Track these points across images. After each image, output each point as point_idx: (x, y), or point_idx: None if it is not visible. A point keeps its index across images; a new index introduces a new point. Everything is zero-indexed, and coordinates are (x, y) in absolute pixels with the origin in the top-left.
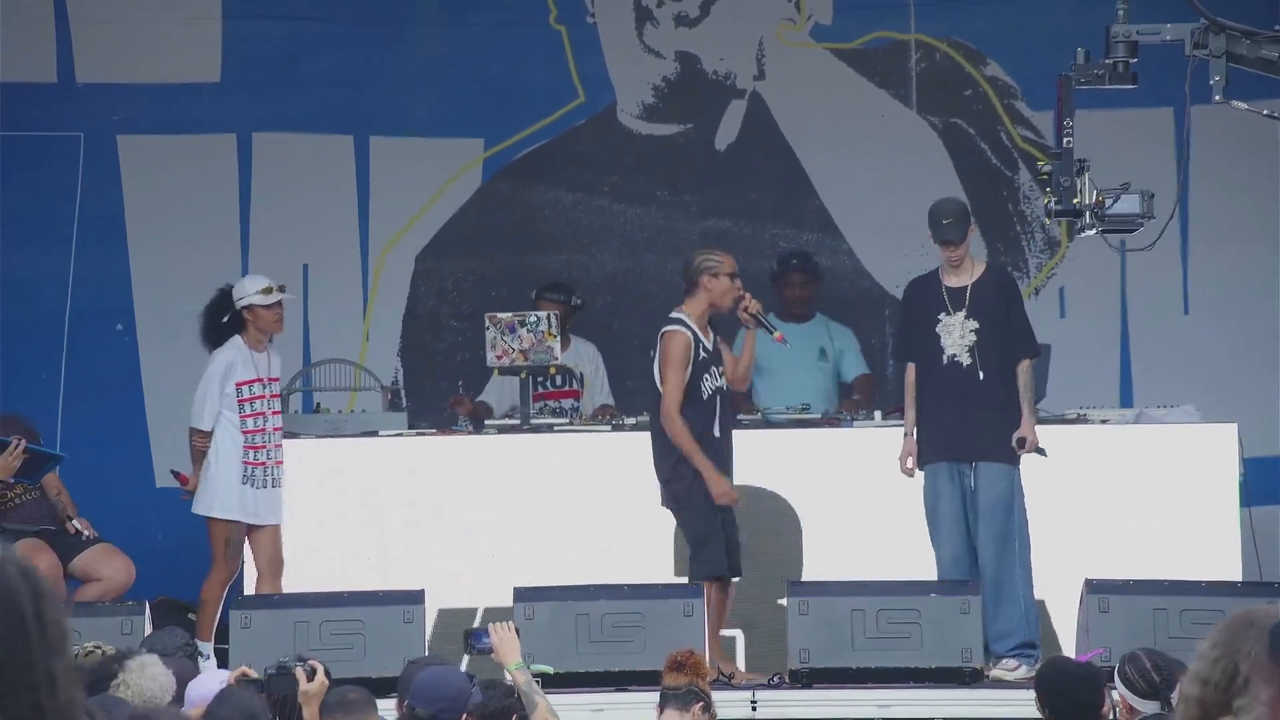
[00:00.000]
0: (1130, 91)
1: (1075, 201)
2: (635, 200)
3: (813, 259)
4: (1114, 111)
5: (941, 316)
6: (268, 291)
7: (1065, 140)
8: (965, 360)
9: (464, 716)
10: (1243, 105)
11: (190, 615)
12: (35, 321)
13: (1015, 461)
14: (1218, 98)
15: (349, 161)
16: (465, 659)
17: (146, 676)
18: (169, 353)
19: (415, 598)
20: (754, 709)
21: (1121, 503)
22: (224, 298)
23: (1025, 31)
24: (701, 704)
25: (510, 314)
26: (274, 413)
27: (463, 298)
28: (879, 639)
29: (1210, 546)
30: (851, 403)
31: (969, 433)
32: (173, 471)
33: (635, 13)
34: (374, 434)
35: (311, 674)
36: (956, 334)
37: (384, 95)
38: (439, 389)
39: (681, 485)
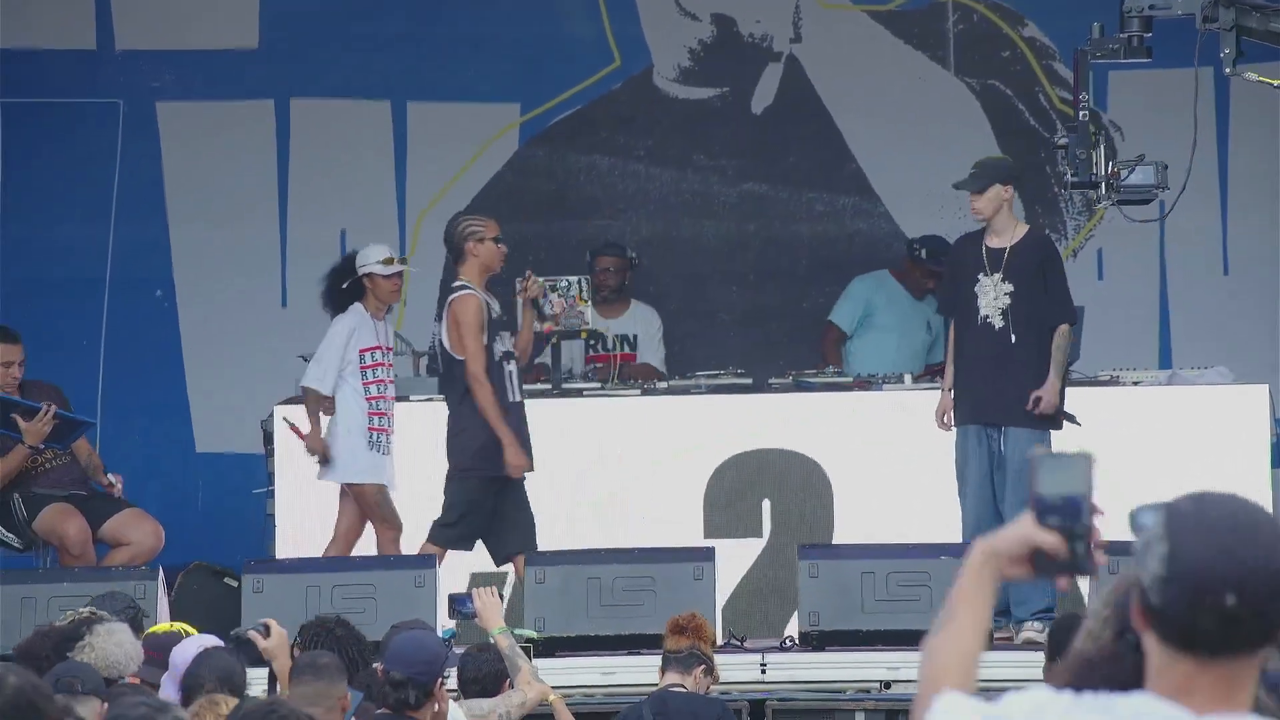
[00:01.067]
0: (1164, 50)
1: (1091, 174)
2: (671, 164)
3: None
4: (1149, 72)
5: (979, 277)
6: (388, 262)
7: (1080, 113)
8: (998, 323)
9: (438, 681)
10: (1254, 76)
11: (227, 580)
12: (75, 288)
13: (1044, 427)
14: (1228, 70)
15: (386, 127)
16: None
17: (112, 642)
18: (208, 318)
19: (427, 562)
20: (763, 671)
21: (1153, 465)
22: (347, 263)
23: None
24: (703, 667)
25: (542, 279)
26: (390, 380)
27: None
28: (889, 601)
29: None
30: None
31: (998, 397)
32: (285, 419)
33: None
34: (405, 399)
35: (266, 631)
36: (991, 295)
37: (421, 60)
38: None
39: (465, 456)
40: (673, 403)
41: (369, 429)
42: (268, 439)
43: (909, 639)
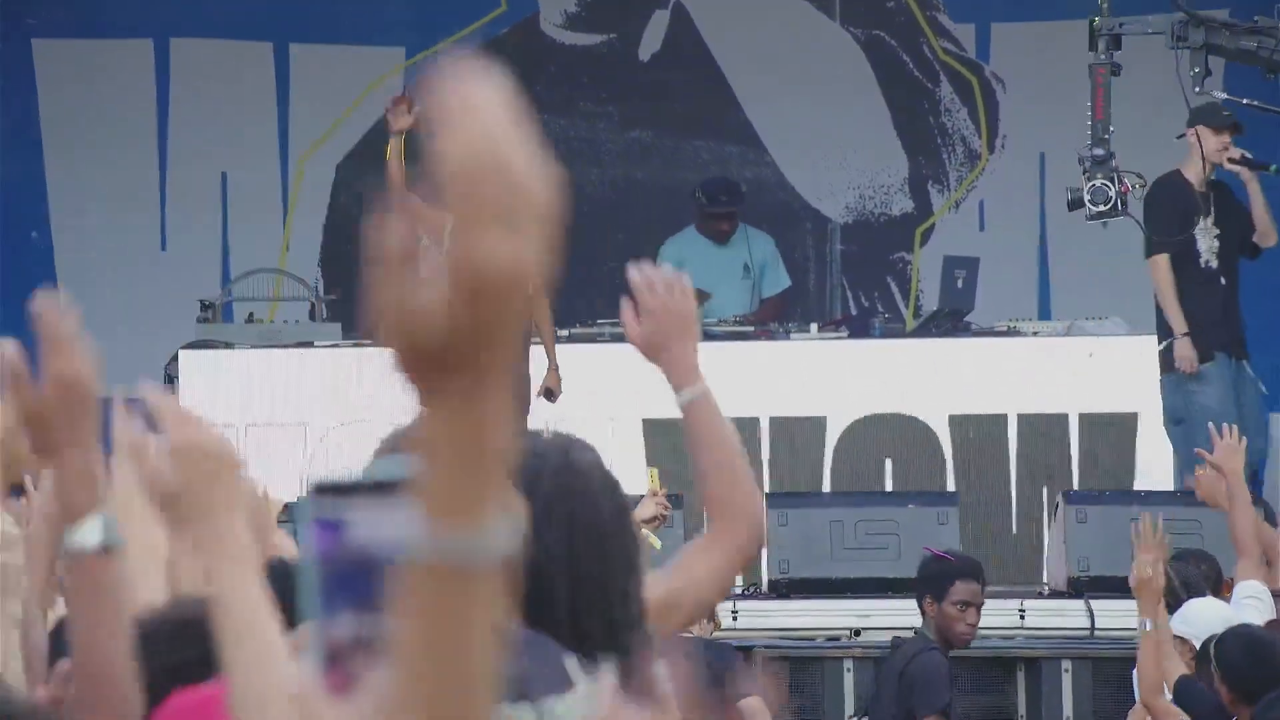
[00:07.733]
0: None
1: (1109, 197)
2: (558, 111)
3: (740, 189)
4: (1030, 24)
5: (1197, 220)
6: None
7: (1109, 133)
8: (1214, 264)
9: None
10: (1222, 94)
11: None
12: None
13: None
14: (1197, 89)
15: (268, 68)
16: None
17: None
18: (85, 261)
19: None
20: (735, 619)
21: (1058, 414)
22: None
23: None
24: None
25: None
26: None
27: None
28: (858, 550)
29: (1144, 457)
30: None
31: (1232, 332)
32: None
33: None
34: (309, 344)
35: None
36: (1207, 239)
37: (305, 2)
38: (360, 299)
39: None
40: (576, 351)
41: None
42: (169, 381)
43: (877, 587)
